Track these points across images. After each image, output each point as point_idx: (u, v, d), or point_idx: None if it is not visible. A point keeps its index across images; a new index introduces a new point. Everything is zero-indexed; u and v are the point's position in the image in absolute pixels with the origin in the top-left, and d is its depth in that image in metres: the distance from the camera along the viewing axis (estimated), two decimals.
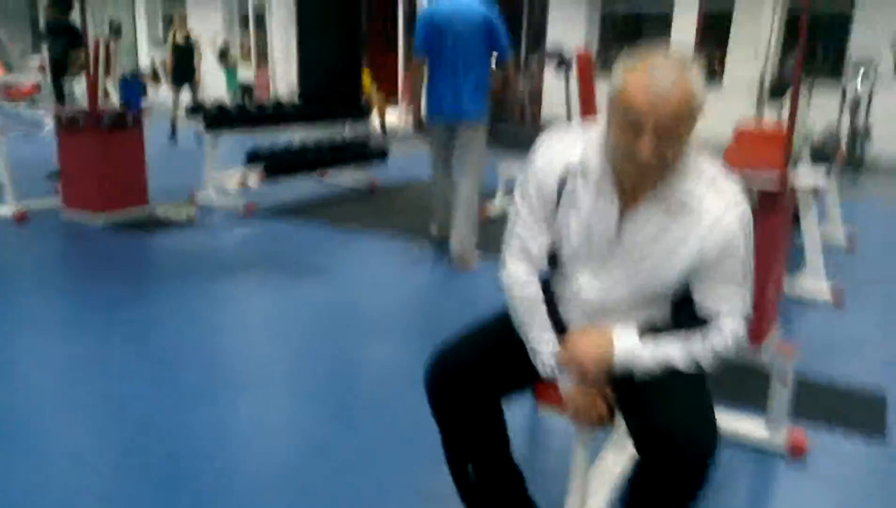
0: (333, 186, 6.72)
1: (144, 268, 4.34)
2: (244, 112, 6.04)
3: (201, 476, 2.15)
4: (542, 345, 1.61)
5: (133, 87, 5.21)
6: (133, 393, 2.67)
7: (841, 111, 8.59)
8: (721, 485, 2.14)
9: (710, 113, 1.44)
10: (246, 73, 13.37)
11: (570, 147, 1.52)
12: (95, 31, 5.34)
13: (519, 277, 1.62)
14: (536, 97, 12.08)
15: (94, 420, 2.49)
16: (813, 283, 3.97)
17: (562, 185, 1.52)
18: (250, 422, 2.49)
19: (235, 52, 14.03)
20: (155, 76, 14.38)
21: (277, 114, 6.18)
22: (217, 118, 5.68)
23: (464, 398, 1.64)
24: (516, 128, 10.87)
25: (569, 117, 8.56)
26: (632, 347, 1.49)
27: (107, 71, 6.13)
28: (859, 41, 9.27)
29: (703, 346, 1.51)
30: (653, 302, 1.58)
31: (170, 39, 9.49)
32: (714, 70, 10.52)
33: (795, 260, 4.03)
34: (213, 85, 14.43)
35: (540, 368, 1.62)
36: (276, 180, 5.94)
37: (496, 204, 5.83)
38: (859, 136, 8.60)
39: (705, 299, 1.52)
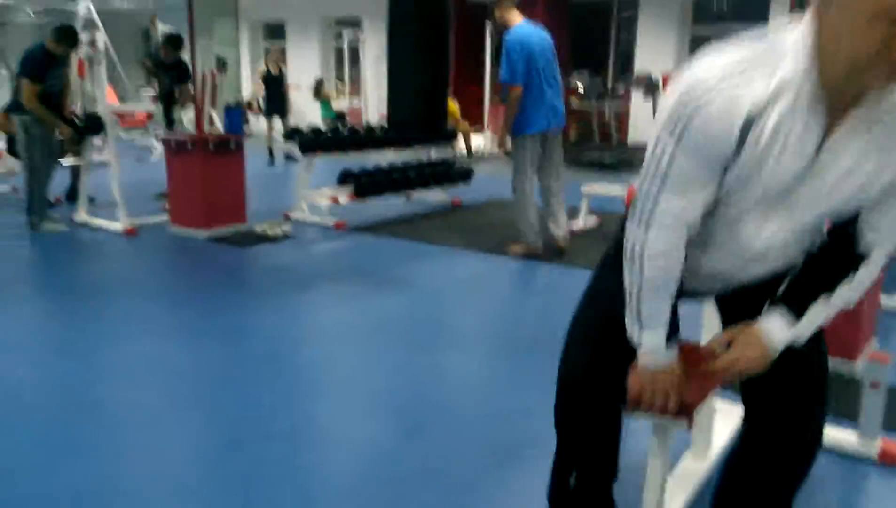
0: (420, 204, 6.90)
1: (241, 279, 4.60)
2: (337, 136, 6.33)
3: (280, 482, 2.27)
4: (660, 319, 1.41)
5: (235, 115, 5.58)
6: (224, 397, 2.84)
7: None
8: (814, 492, 2.07)
9: None
10: (340, 103, 13.92)
11: (748, 80, 1.20)
12: (203, 66, 5.78)
13: (666, 247, 1.35)
14: (623, 121, 11.99)
15: (190, 423, 2.67)
16: None
17: (745, 130, 1.21)
18: (331, 431, 2.58)
19: (330, 85, 14.65)
20: (257, 106, 15.22)
21: (368, 138, 6.44)
22: (311, 141, 5.99)
23: (594, 411, 1.63)
24: (601, 151, 10.81)
25: None
26: (787, 339, 1.39)
27: (212, 101, 6.60)
28: None
29: (851, 287, 1.37)
30: (812, 234, 1.40)
31: (261, 69, 10.03)
32: None
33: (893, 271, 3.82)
34: (310, 114, 15.12)
35: (646, 340, 1.44)
36: (366, 200, 6.16)
37: (580, 222, 5.83)
38: None
39: (868, 231, 1.34)
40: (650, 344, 1.43)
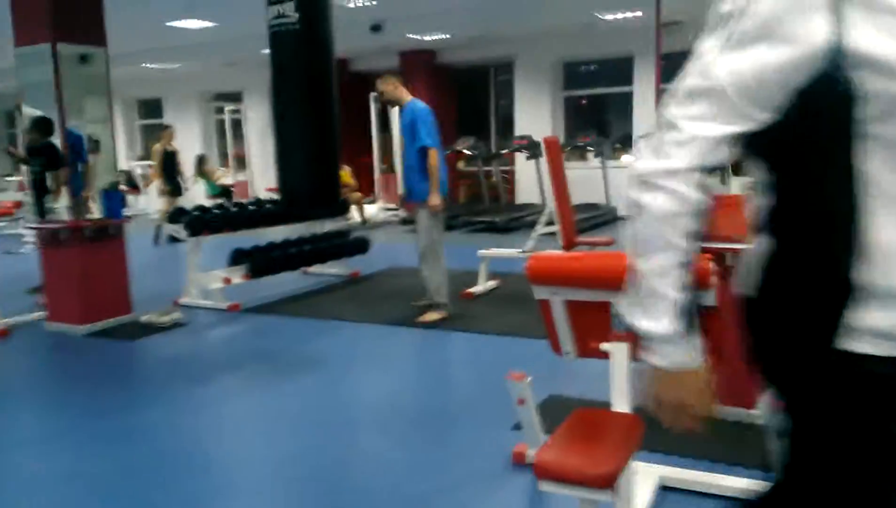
0: (317, 278, 6.78)
1: (129, 375, 4.30)
2: (225, 213, 6.14)
3: None
4: (668, 281, 1.09)
5: (114, 198, 5.31)
6: (119, 506, 2.61)
7: None
8: None
9: None
10: (226, 179, 13.63)
11: None
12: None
13: (687, 193, 1.05)
14: (510, 181, 12.43)
15: None
16: None
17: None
18: None
19: (212, 162, 14.45)
20: (133, 186, 14.76)
21: (258, 213, 6.30)
22: (198, 221, 5.77)
23: None
24: (492, 213, 11.11)
25: (542, 199, 8.80)
26: None
27: (88, 185, 6.24)
28: None
29: None
30: None
31: (158, 148, 9.74)
32: None
33: None
34: (194, 192, 14.67)
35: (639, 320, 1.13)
36: (260, 278, 5.98)
37: (480, 285, 5.90)
38: None
39: None
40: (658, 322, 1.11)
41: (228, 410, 3.60)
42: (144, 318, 5.25)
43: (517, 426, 2.80)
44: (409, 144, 4.84)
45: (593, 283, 2.10)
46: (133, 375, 4.30)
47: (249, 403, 3.68)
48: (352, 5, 8.70)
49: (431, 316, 5.02)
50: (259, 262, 5.89)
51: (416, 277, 5.15)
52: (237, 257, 5.86)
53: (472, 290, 5.79)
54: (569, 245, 5.53)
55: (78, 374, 4.33)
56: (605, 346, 2.18)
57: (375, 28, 9.89)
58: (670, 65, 3.23)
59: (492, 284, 6.06)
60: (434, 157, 4.74)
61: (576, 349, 2.29)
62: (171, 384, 3.98)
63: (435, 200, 4.75)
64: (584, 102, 12.57)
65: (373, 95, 10.64)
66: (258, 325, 5.26)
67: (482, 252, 5.95)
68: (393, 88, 4.96)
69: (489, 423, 3.18)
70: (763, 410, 2.28)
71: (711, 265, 1.97)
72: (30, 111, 5.30)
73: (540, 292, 2.21)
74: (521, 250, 5.87)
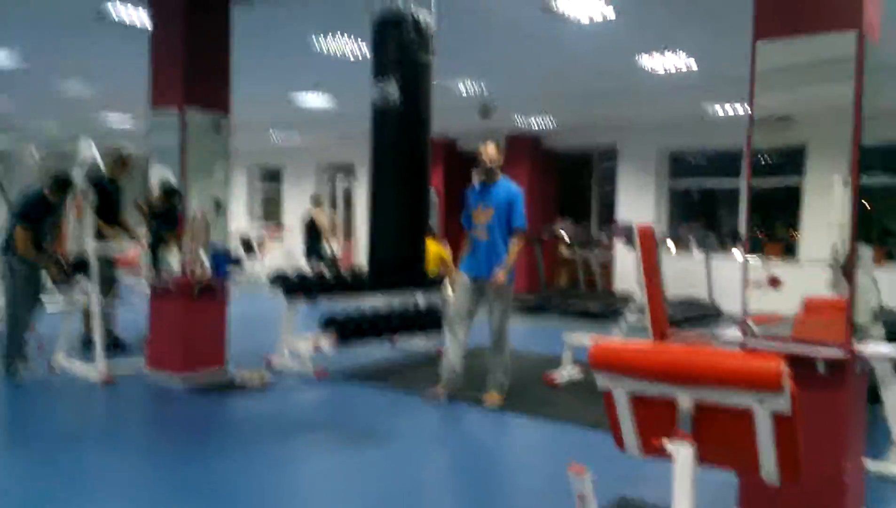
0: (404, 351, 6.85)
1: (216, 429, 4.47)
2: (322, 281, 6.38)
3: None
4: None
5: (221, 259, 5.65)
6: None
7: None
8: None
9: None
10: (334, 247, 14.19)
11: None
12: (198, 206, 5.93)
13: None
14: (607, 268, 12.25)
15: None
16: None
17: None
18: None
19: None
20: (249, 249, 15.42)
21: (353, 283, 6.50)
22: (295, 286, 6.03)
23: None
24: (588, 299, 10.95)
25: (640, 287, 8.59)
26: None
27: (203, 243, 6.65)
28: None
29: None
30: None
31: (307, 217, 10.87)
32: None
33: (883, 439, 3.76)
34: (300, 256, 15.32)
35: None
36: (349, 346, 6.13)
37: (563, 372, 5.77)
38: None
39: None
40: None
41: (300, 472, 3.66)
42: (238, 376, 5.47)
43: None
44: (500, 223, 4.83)
45: (658, 376, 2.04)
46: (219, 428, 4.47)
47: (319, 466, 3.74)
48: (465, 94, 9.07)
49: (495, 398, 4.90)
50: (348, 328, 6.05)
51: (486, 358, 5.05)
52: (327, 323, 6.05)
53: (553, 376, 5.67)
54: (659, 337, 5.35)
55: (171, 424, 4.55)
56: (668, 446, 2.08)
57: (485, 113, 10.14)
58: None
59: (576, 372, 5.92)
60: (522, 241, 4.76)
61: (640, 447, 2.20)
62: (253, 440, 4.11)
63: (504, 274, 4.69)
64: (690, 192, 12.33)
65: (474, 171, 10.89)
66: (341, 391, 5.37)
67: (568, 336, 5.84)
68: (500, 155, 4.88)
69: None
70: None
71: (784, 367, 1.86)
72: (158, 172, 5.75)
73: (603, 382, 2.16)
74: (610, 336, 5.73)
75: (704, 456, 2.07)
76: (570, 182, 13.43)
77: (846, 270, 2.87)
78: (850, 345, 2.77)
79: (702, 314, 10.27)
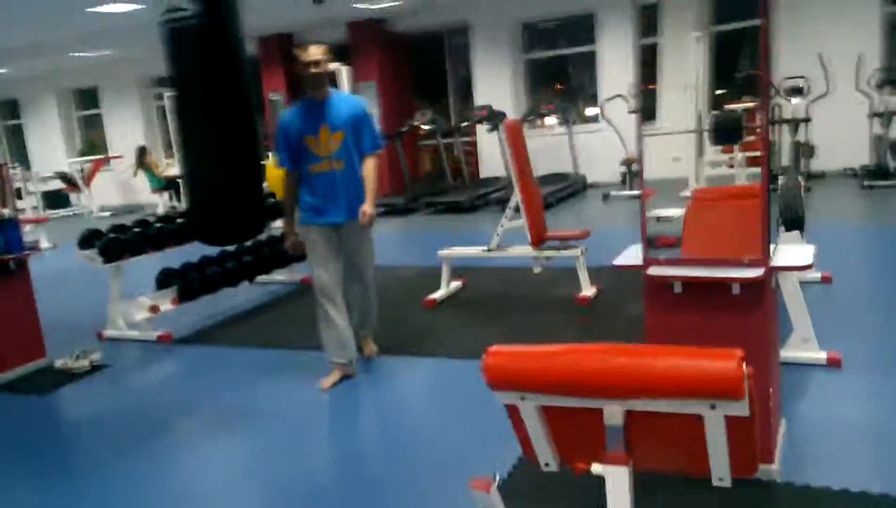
0: (263, 288, 6.10)
1: (34, 443, 3.61)
2: (146, 231, 5.24)
3: None
4: None
5: (9, 228, 4.55)
6: None
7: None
8: None
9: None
10: (169, 171, 12.78)
11: None
12: None
13: None
14: (473, 155, 11.80)
15: None
16: (805, 351, 3.48)
17: None
18: None
19: (153, 154, 13.71)
20: (72, 183, 14.02)
21: (183, 229, 5.41)
22: (115, 243, 4.96)
23: None
24: (455, 191, 10.51)
25: (508, 173, 8.17)
26: None
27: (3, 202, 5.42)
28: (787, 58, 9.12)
29: None
30: None
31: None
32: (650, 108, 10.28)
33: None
34: (140, 187, 13.81)
35: None
36: (196, 300, 5.29)
37: (441, 292, 5.27)
38: (804, 155, 8.39)
39: None
40: None
41: (152, 486, 2.95)
42: (59, 363, 4.55)
43: None
44: (355, 147, 3.81)
45: (580, 390, 1.49)
46: (40, 442, 3.61)
47: (179, 475, 3.04)
48: None
49: (373, 347, 4.27)
50: (189, 281, 5.19)
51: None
52: (163, 280, 5.15)
53: (434, 296, 5.17)
54: (538, 241, 4.93)
55: None
56: (597, 468, 1.57)
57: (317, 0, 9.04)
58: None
59: (456, 285, 5.45)
60: (379, 159, 4.00)
61: (561, 464, 1.70)
62: (87, 454, 3.33)
63: (374, 209, 3.84)
64: (546, 62, 11.88)
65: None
66: (193, 358, 4.61)
67: (442, 253, 5.29)
68: (327, 60, 3.73)
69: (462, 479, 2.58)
70: None
71: (744, 369, 1.36)
72: None
73: (505, 398, 1.60)
74: (485, 249, 5.26)
75: (639, 464, 1.59)
76: (424, 65, 12.59)
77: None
78: (768, 261, 2.36)
79: (570, 191, 10.10)
